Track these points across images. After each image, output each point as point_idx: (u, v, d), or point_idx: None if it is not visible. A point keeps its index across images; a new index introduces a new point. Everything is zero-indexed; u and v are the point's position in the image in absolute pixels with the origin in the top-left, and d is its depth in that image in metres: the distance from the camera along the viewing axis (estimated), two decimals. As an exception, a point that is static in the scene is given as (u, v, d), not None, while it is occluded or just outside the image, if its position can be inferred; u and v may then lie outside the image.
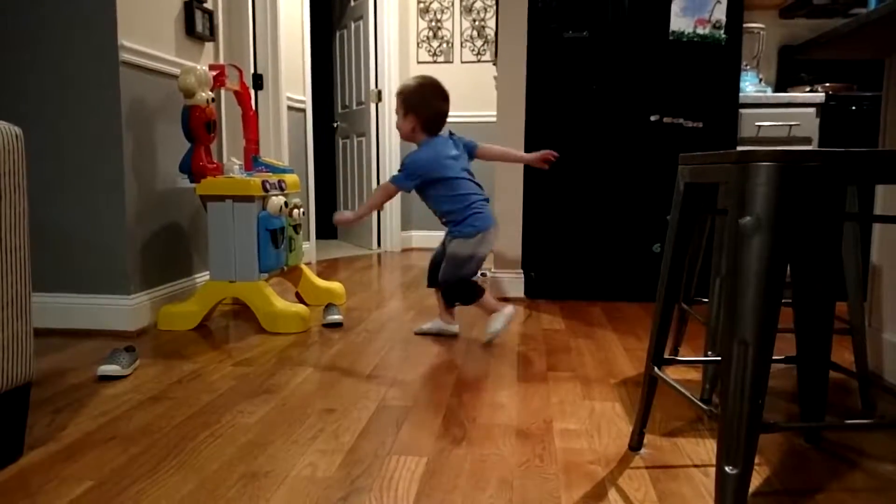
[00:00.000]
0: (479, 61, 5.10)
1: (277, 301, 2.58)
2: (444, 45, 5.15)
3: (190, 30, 2.90)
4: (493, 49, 4.39)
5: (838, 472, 1.41)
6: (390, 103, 4.96)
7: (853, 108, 3.28)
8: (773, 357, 1.15)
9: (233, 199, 2.57)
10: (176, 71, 2.65)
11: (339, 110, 5.60)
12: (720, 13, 3.02)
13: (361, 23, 5.01)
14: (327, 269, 4.24)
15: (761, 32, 3.72)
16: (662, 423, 1.66)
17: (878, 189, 2.13)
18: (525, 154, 2.71)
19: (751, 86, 3.55)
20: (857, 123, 3.25)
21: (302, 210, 2.90)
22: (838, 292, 1.48)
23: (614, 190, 3.19)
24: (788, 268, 1.38)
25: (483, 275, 2.64)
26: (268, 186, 2.65)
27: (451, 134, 2.56)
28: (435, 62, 5.16)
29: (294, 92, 4.23)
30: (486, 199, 2.49)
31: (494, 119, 3.25)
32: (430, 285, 2.59)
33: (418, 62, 5.18)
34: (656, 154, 3.12)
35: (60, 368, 2.08)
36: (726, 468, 1.09)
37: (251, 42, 3.61)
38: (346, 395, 1.86)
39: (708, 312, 1.78)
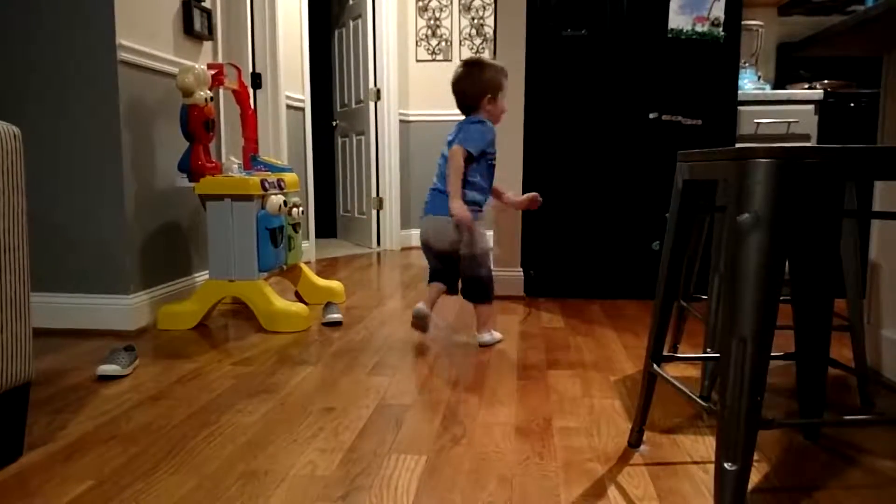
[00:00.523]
0: (477, 60, 5.09)
1: (277, 300, 2.58)
2: (443, 43, 5.15)
3: (188, 29, 2.90)
4: (492, 47, 4.39)
5: (837, 468, 1.41)
6: (389, 102, 4.97)
7: (852, 104, 3.28)
8: (772, 354, 1.15)
9: (232, 199, 2.57)
10: (174, 70, 2.65)
11: (338, 109, 5.60)
12: (719, 11, 3.02)
13: (360, 21, 5.01)
14: (327, 267, 4.24)
15: (760, 30, 3.72)
16: (662, 420, 1.66)
17: (877, 185, 2.13)
18: (512, 198, 2.61)
19: (749, 83, 3.55)
20: (856, 120, 3.25)
21: (301, 209, 2.90)
22: (837, 289, 1.49)
23: (613, 188, 3.19)
24: (787, 265, 1.38)
25: None
26: (267, 185, 2.65)
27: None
28: (434, 60, 5.16)
29: (293, 91, 4.23)
30: (435, 189, 2.40)
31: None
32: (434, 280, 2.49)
33: (417, 60, 5.18)
34: (655, 152, 3.12)
35: (60, 368, 2.08)
36: (725, 465, 1.09)
37: (250, 41, 3.61)
38: (346, 393, 1.86)
39: (707, 309, 1.78)
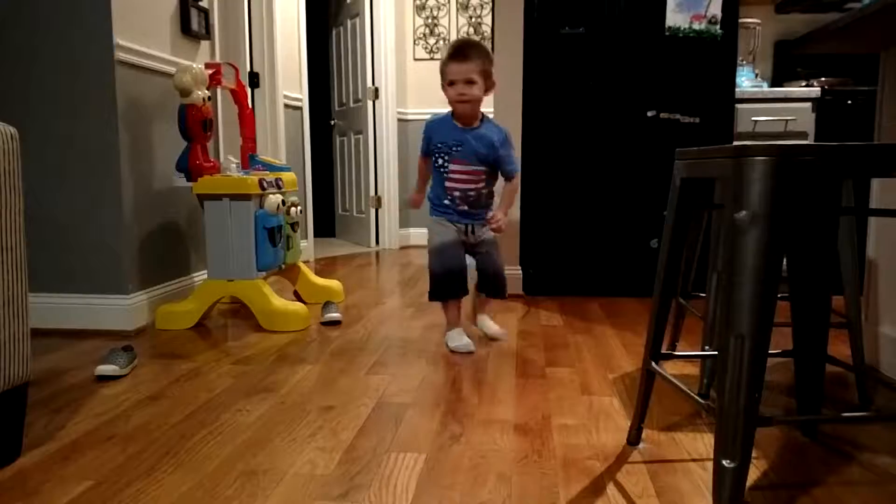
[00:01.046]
0: (475, 58, 5.08)
1: (275, 299, 2.58)
2: (441, 42, 5.14)
3: (186, 28, 2.89)
4: (490, 46, 4.39)
5: (835, 465, 1.42)
6: (387, 100, 4.97)
7: (849, 102, 3.28)
8: (770, 351, 1.15)
9: (230, 198, 2.57)
10: (172, 70, 2.65)
11: (336, 108, 5.60)
12: (716, 8, 3.02)
13: (358, 20, 5.01)
14: (325, 266, 4.24)
15: (757, 27, 3.72)
16: (660, 417, 1.66)
17: (874, 183, 2.14)
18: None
19: (747, 81, 3.56)
20: (853, 118, 3.25)
21: (299, 208, 2.90)
22: (834, 286, 1.49)
23: (611, 186, 3.19)
24: (785, 262, 1.39)
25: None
26: (265, 185, 2.65)
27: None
28: (432, 59, 5.15)
29: (291, 90, 4.23)
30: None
31: (491, 115, 3.24)
32: (454, 295, 2.33)
33: (415, 59, 5.18)
34: (653, 150, 3.13)
35: (58, 368, 2.08)
36: (724, 462, 1.10)
37: (247, 40, 3.61)
38: (345, 392, 1.86)
39: (705, 307, 1.78)
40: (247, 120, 2.96)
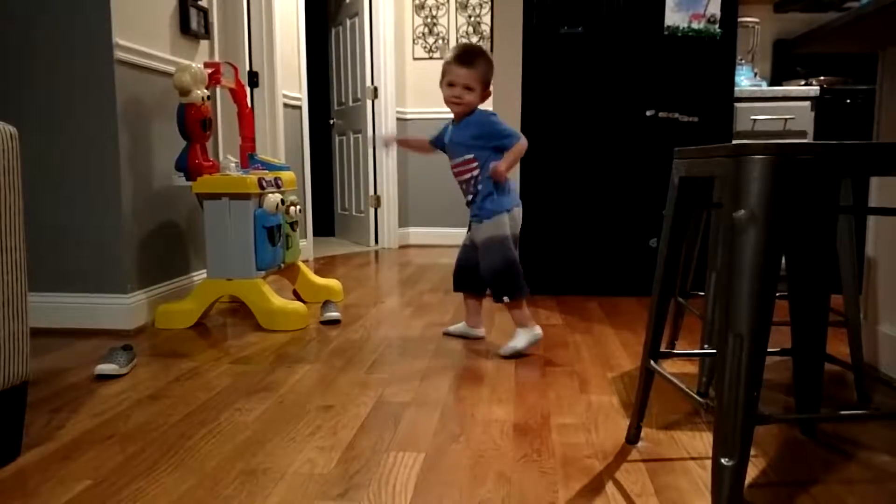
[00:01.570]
0: (474, 57, 5.08)
1: (275, 298, 2.58)
2: (440, 41, 5.15)
3: (185, 28, 2.89)
4: (489, 45, 4.39)
5: (834, 463, 1.42)
6: (386, 100, 4.96)
7: (848, 101, 3.28)
8: (769, 349, 1.15)
9: (229, 197, 2.57)
10: (171, 69, 2.65)
11: (336, 107, 5.60)
12: (715, 8, 3.02)
13: (357, 19, 5.01)
14: (325, 266, 4.24)
15: (756, 27, 3.72)
16: (659, 416, 1.67)
17: (873, 181, 2.14)
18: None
19: (746, 80, 3.56)
20: (852, 117, 3.26)
21: (299, 207, 2.90)
22: (833, 285, 1.49)
23: (610, 185, 3.20)
24: (784, 261, 1.39)
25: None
26: (264, 184, 2.65)
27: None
28: (431, 58, 5.16)
29: (290, 89, 4.23)
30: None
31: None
32: (458, 289, 2.43)
33: (414, 58, 5.18)
34: (652, 149, 3.13)
35: (58, 368, 2.08)
36: (722, 460, 1.10)
37: (246, 40, 3.61)
38: (344, 391, 1.86)
39: (704, 306, 1.79)
40: (246, 119, 2.96)
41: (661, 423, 1.63)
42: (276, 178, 2.77)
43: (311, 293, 3.03)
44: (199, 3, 3.02)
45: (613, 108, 3.14)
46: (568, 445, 1.50)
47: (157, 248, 2.73)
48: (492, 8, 3.25)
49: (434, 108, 4.95)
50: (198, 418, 1.66)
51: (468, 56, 2.23)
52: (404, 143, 2.84)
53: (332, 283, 3.13)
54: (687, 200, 1.40)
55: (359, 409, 1.72)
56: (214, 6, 3.18)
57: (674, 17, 3.05)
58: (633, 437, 1.52)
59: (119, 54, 2.44)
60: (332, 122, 5.67)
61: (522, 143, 2.30)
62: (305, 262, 3.78)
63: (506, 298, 2.23)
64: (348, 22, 5.18)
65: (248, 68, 3.68)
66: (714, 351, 1.56)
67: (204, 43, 3.11)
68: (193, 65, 2.58)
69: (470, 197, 2.31)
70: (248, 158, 2.93)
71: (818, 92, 3.28)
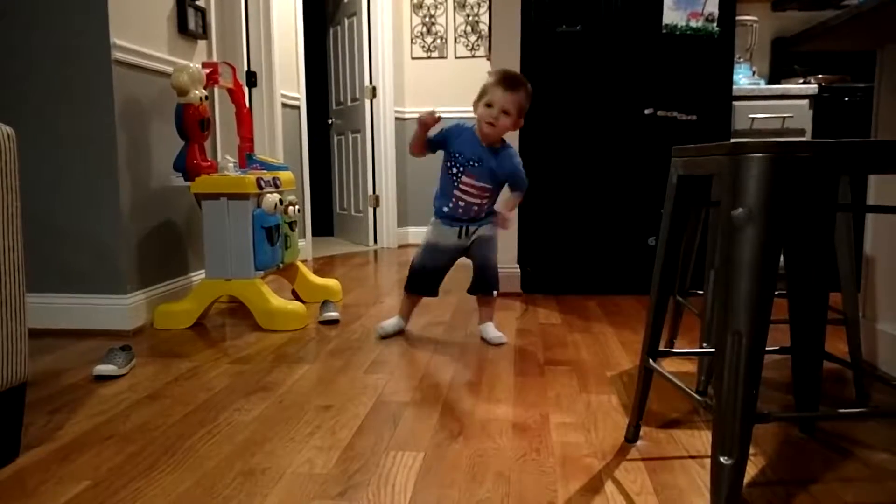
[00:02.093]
0: (472, 56, 5.09)
1: (274, 298, 2.58)
2: (438, 40, 5.14)
3: (182, 28, 2.89)
4: (487, 44, 4.39)
5: (833, 461, 1.42)
6: (385, 99, 4.96)
7: (846, 99, 3.29)
8: (767, 347, 1.15)
9: (227, 197, 2.57)
10: (169, 69, 2.64)
11: (334, 107, 5.60)
12: (713, 6, 3.02)
13: (355, 19, 5.01)
14: (323, 266, 4.24)
15: (754, 25, 3.72)
16: (658, 415, 1.67)
17: (871, 179, 2.14)
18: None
19: (744, 78, 3.56)
20: (850, 114, 3.26)
21: (297, 207, 2.90)
22: (832, 283, 1.49)
23: (609, 184, 3.20)
24: (782, 259, 1.39)
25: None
26: (262, 184, 2.65)
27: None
28: (429, 58, 5.16)
29: (288, 89, 4.22)
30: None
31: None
32: (419, 291, 2.49)
33: (412, 58, 5.18)
34: (650, 147, 3.13)
35: (56, 368, 2.07)
36: (721, 459, 1.10)
37: (244, 39, 3.60)
38: (343, 391, 1.86)
39: (703, 304, 1.79)
40: (244, 119, 2.96)
41: (660, 421, 1.63)
42: (274, 178, 2.77)
43: (310, 293, 3.03)
44: (197, 3, 3.02)
45: (612, 107, 3.14)
46: (567, 444, 1.50)
47: (155, 249, 2.73)
48: (490, 7, 3.25)
49: (432, 108, 4.95)
50: (197, 418, 1.66)
51: (512, 82, 2.28)
52: (422, 136, 2.39)
53: (331, 282, 3.13)
54: (685, 199, 1.40)
55: (358, 409, 1.72)
56: (212, 6, 3.18)
57: (672, 15, 3.05)
58: (632, 436, 1.52)
59: (117, 54, 2.44)
60: (330, 121, 5.67)
61: (524, 188, 2.43)
62: (304, 261, 3.78)
63: (495, 292, 2.46)
64: (346, 21, 5.17)
65: (246, 68, 3.68)
66: (713, 349, 1.57)
67: (202, 43, 3.11)
68: (191, 65, 2.58)
69: (466, 217, 2.36)
70: (247, 158, 2.93)
71: (816, 90, 3.28)
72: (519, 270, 3.27)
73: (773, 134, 3.26)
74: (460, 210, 2.35)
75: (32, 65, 2.44)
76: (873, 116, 2.08)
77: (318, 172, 5.55)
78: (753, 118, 3.27)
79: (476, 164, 2.31)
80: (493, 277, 2.44)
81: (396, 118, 5.06)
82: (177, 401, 1.79)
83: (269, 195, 2.66)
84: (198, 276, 2.98)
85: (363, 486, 1.31)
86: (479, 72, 4.63)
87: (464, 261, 2.48)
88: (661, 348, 1.51)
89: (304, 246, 4.30)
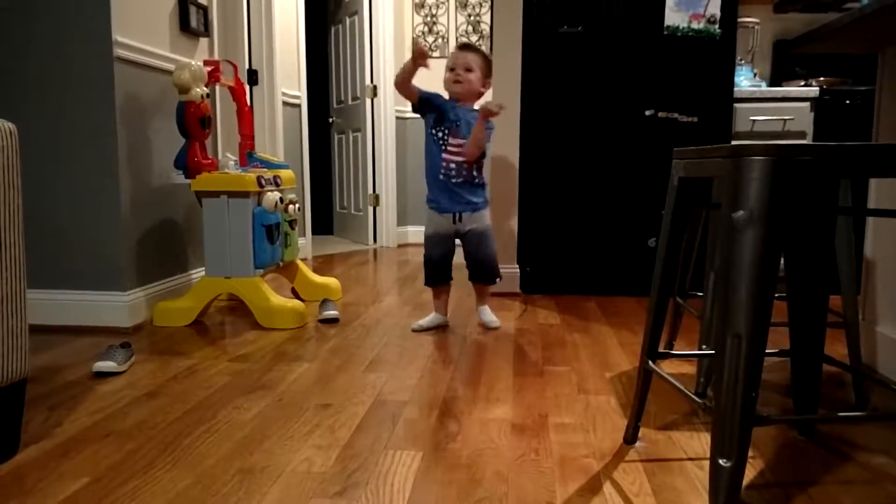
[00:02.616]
0: (474, 56, 5.08)
1: (273, 297, 2.58)
2: (440, 40, 5.14)
3: (184, 25, 2.89)
4: (489, 44, 4.39)
5: (832, 464, 1.42)
6: (385, 98, 4.96)
7: (847, 102, 3.28)
8: (767, 350, 1.15)
9: (228, 195, 2.57)
10: (170, 67, 2.64)
11: (335, 105, 5.60)
12: (714, 8, 3.02)
13: (356, 18, 5.00)
14: (323, 264, 4.24)
15: (756, 27, 3.72)
16: (657, 416, 1.67)
17: (872, 183, 2.14)
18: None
19: (745, 80, 3.56)
20: (852, 117, 3.26)
21: (297, 206, 2.90)
22: (832, 286, 1.49)
23: (609, 185, 3.20)
24: (782, 262, 1.39)
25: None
26: (263, 182, 2.65)
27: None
28: (430, 57, 5.14)
29: (289, 87, 4.22)
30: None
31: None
32: (437, 283, 2.59)
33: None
34: (651, 149, 3.13)
35: (56, 365, 2.07)
36: (720, 461, 1.10)
37: (246, 37, 3.60)
38: (343, 390, 1.86)
39: (702, 306, 1.79)
40: (245, 117, 2.96)
41: (658, 423, 1.63)
42: (274, 177, 2.77)
43: (310, 291, 3.03)
44: (199, 1, 3.02)
45: (613, 108, 3.14)
46: (566, 445, 1.50)
47: (155, 246, 2.73)
48: (491, 7, 3.25)
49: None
50: (196, 416, 1.66)
51: (466, 45, 2.62)
52: (412, 70, 2.49)
53: (331, 281, 3.13)
54: (686, 201, 1.40)
55: (357, 408, 1.72)
56: (214, 4, 3.18)
57: (673, 16, 3.05)
58: (630, 437, 1.52)
59: (118, 52, 2.44)
60: (331, 120, 5.67)
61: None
62: (304, 260, 3.78)
63: (498, 280, 2.61)
64: (348, 20, 5.17)
65: (247, 66, 3.68)
66: (712, 351, 1.57)
67: (203, 41, 3.10)
68: (193, 62, 2.58)
69: (460, 180, 2.49)
70: (247, 156, 2.93)
71: (818, 93, 3.28)
72: (518, 270, 3.27)
73: (773, 136, 3.26)
74: (453, 172, 2.48)
75: (34, 61, 2.44)
76: (874, 119, 2.08)
77: (318, 171, 5.55)
78: (754, 120, 3.27)
79: (458, 125, 2.48)
80: (492, 269, 2.58)
81: (397, 117, 5.06)
82: (176, 398, 1.79)
83: (269, 193, 2.66)
84: (197, 273, 2.98)
85: (362, 484, 1.31)
86: (480, 72, 4.64)
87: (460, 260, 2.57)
88: (661, 350, 1.51)
89: (304, 244, 4.30)
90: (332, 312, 2.66)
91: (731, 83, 3.12)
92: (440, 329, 2.56)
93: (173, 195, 2.83)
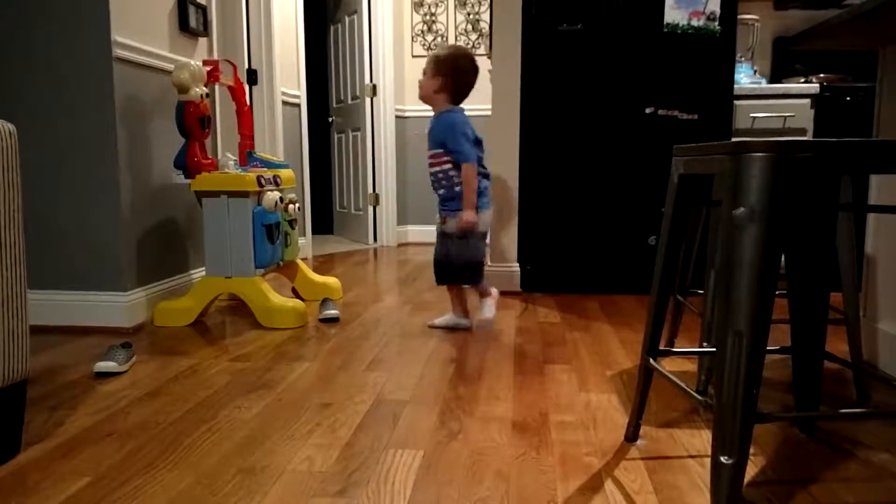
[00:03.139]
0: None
1: (273, 296, 2.58)
2: (439, 38, 5.14)
3: (183, 25, 2.89)
4: (488, 42, 4.38)
5: (833, 461, 1.42)
6: (385, 98, 4.96)
7: (847, 98, 3.28)
8: (768, 347, 1.15)
9: (228, 195, 2.57)
10: (170, 66, 2.64)
11: (334, 105, 5.59)
12: (714, 5, 3.02)
13: (356, 17, 5.00)
14: (323, 264, 4.24)
15: (756, 24, 3.72)
16: (658, 414, 1.67)
17: (873, 179, 2.14)
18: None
19: (745, 77, 3.56)
20: (852, 114, 3.25)
21: (297, 205, 2.90)
22: (832, 282, 1.49)
23: (609, 183, 3.19)
24: (783, 259, 1.39)
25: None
26: (263, 182, 2.64)
27: None
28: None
29: (288, 87, 4.22)
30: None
31: (489, 112, 3.25)
32: (442, 282, 2.54)
33: (413, 56, 5.18)
34: (651, 146, 3.13)
35: (57, 365, 2.07)
36: (721, 458, 1.10)
37: (245, 37, 3.60)
38: (343, 389, 1.86)
39: (703, 304, 1.78)
40: (245, 117, 2.96)
41: (660, 421, 1.63)
42: (274, 176, 2.77)
43: (310, 291, 3.03)
44: (198, 0, 3.02)
45: (613, 106, 3.14)
46: (567, 443, 1.50)
47: (155, 246, 2.72)
48: (491, 5, 3.24)
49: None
50: (196, 416, 1.66)
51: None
52: None
53: (331, 280, 3.13)
54: (686, 198, 1.40)
55: (357, 407, 1.72)
56: (213, 4, 3.18)
57: (673, 14, 3.05)
58: (631, 435, 1.52)
59: (117, 52, 2.44)
60: (330, 119, 5.66)
61: (468, 171, 2.40)
62: (304, 259, 3.78)
63: (470, 285, 2.54)
64: (347, 19, 5.17)
65: (246, 66, 3.68)
66: (713, 349, 1.57)
67: (202, 40, 3.10)
68: (192, 62, 2.58)
69: (442, 191, 2.46)
70: (247, 156, 2.93)
71: (818, 89, 3.28)
72: (518, 269, 3.27)
73: (774, 133, 3.26)
74: (435, 187, 2.49)
75: (33, 61, 2.44)
76: (875, 116, 2.08)
77: (318, 170, 5.55)
78: (755, 117, 3.26)
79: (428, 133, 2.50)
80: (451, 273, 2.48)
81: (397, 116, 5.06)
82: (177, 398, 1.79)
83: (269, 193, 2.66)
84: (198, 273, 2.98)
85: (362, 484, 1.31)
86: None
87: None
88: (662, 347, 1.51)
89: (304, 244, 4.30)
90: (332, 312, 2.66)
91: (732, 80, 3.12)
92: (448, 329, 2.54)
93: (173, 195, 2.83)
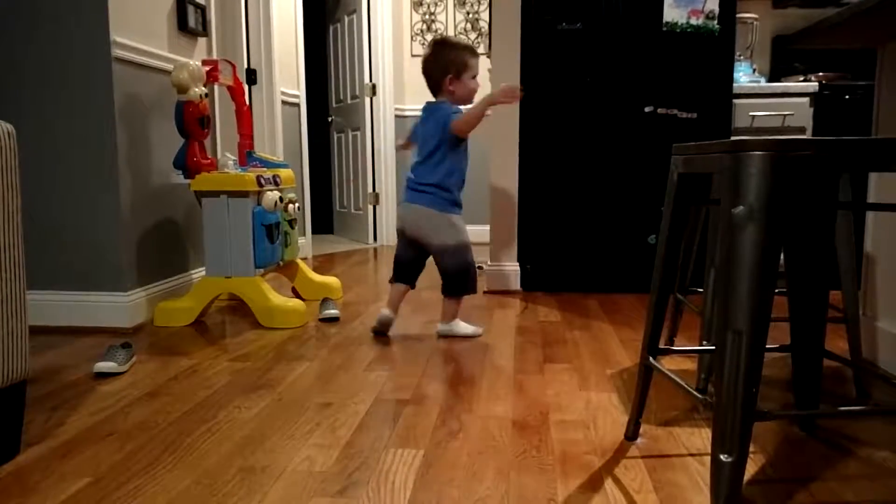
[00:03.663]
0: (473, 54, 5.08)
1: (273, 296, 2.58)
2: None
3: (182, 25, 2.89)
4: (487, 42, 4.38)
5: (833, 459, 1.42)
6: (385, 97, 4.96)
7: (847, 97, 3.28)
8: (768, 346, 1.15)
9: (227, 195, 2.57)
10: (169, 66, 2.64)
11: (334, 104, 5.59)
12: (713, 4, 3.02)
13: (355, 16, 5.00)
14: (323, 263, 4.24)
15: (755, 23, 3.72)
16: (658, 412, 1.67)
17: (872, 177, 2.14)
18: (487, 98, 2.35)
19: (744, 76, 3.56)
20: (851, 112, 3.25)
21: (297, 205, 2.90)
22: (832, 281, 1.49)
23: (609, 182, 3.19)
24: (782, 257, 1.39)
25: (479, 268, 2.60)
26: (262, 181, 2.64)
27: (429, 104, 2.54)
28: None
29: (288, 86, 4.22)
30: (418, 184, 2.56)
31: (489, 112, 3.24)
32: (399, 280, 2.46)
33: (412, 55, 5.17)
34: (650, 145, 3.13)
35: (57, 366, 2.07)
36: (721, 456, 1.10)
37: (244, 37, 3.60)
38: (343, 389, 1.86)
39: (703, 302, 1.79)
40: (244, 117, 2.96)
41: (659, 419, 1.63)
42: (274, 176, 2.77)
43: (310, 291, 3.03)
44: (197, 0, 3.02)
45: (612, 105, 3.14)
46: (567, 442, 1.50)
47: (155, 246, 2.73)
48: (490, 4, 3.24)
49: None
50: (197, 416, 1.66)
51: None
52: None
53: (331, 280, 3.13)
54: (685, 197, 1.40)
55: (357, 407, 1.72)
56: (212, 3, 3.18)
57: (672, 13, 3.05)
58: (631, 434, 1.52)
59: (116, 52, 2.44)
60: (330, 119, 5.66)
61: (461, 117, 2.40)
62: (304, 259, 3.78)
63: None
64: (346, 19, 5.17)
65: (246, 66, 3.68)
66: (713, 347, 1.57)
67: (202, 40, 3.10)
68: (191, 62, 2.58)
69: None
70: (247, 156, 2.93)
71: (817, 88, 3.28)
72: (518, 268, 3.27)
73: (773, 132, 3.26)
74: (458, 181, 2.51)
75: (32, 62, 2.44)
76: (874, 114, 2.08)
77: (317, 170, 5.55)
78: (754, 116, 3.26)
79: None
80: (472, 279, 2.40)
81: (396, 116, 5.06)
82: (177, 398, 1.79)
83: (268, 193, 2.66)
84: (198, 273, 2.98)
85: (363, 483, 1.31)
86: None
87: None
88: (661, 346, 1.51)
89: (304, 243, 4.30)
90: (332, 311, 2.66)
91: (731, 79, 3.12)
92: (434, 328, 2.53)
93: (173, 195, 2.83)
